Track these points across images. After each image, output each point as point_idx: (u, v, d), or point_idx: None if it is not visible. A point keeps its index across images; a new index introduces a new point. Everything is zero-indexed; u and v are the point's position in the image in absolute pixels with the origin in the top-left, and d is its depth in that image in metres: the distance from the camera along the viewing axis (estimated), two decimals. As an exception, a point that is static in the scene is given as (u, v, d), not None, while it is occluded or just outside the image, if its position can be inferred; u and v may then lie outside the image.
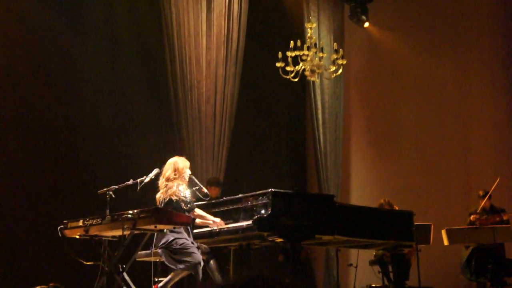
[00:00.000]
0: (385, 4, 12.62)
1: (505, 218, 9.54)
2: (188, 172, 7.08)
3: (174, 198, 6.83)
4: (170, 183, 6.91)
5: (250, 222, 6.78)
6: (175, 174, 6.93)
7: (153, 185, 7.10)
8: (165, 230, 6.70)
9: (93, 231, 6.50)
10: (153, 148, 9.74)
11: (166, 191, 6.89)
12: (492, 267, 9.38)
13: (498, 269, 9.41)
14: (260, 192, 6.98)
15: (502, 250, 9.63)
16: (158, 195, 6.96)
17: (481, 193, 9.92)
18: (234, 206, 7.28)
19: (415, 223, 8.27)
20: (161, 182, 6.98)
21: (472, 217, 9.71)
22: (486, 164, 11.76)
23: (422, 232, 9.13)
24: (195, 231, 7.25)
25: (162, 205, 6.82)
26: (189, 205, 6.87)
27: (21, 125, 9.20)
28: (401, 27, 12.67)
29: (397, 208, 9.53)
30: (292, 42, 8.89)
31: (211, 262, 7.70)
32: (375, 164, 12.56)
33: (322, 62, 9.21)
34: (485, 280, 9.44)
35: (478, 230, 9.36)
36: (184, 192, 6.89)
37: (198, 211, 7.08)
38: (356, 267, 9.89)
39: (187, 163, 7.14)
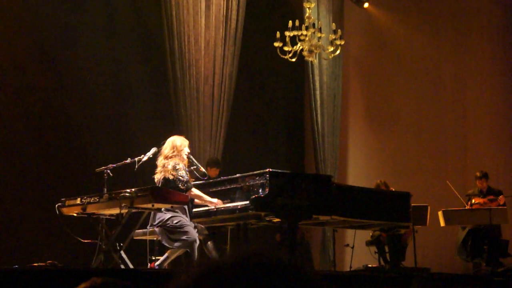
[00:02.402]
0: (385, -16, 12.56)
1: (501, 202, 9.54)
2: (186, 150, 7.09)
3: (170, 177, 6.84)
4: (167, 162, 6.93)
5: (247, 202, 6.80)
6: (173, 152, 6.94)
7: (151, 164, 7.10)
8: (162, 209, 6.72)
9: (90, 209, 6.52)
10: (151, 127, 9.73)
11: (162, 170, 6.90)
12: (487, 248, 9.41)
13: (494, 250, 9.45)
14: (258, 172, 6.99)
15: (498, 231, 9.66)
16: (155, 175, 6.98)
17: (478, 174, 9.93)
18: (232, 186, 7.29)
19: (412, 204, 8.29)
20: (160, 160, 6.99)
21: (472, 204, 9.65)
22: (484, 145, 11.77)
23: (418, 213, 9.14)
24: (193, 210, 7.26)
25: (160, 184, 6.83)
26: (186, 185, 6.86)
27: (19, 104, 9.17)
28: (401, 8, 12.61)
29: (393, 190, 9.53)
30: (290, 22, 8.85)
31: (209, 243, 7.71)
32: (373, 145, 12.57)
33: (320, 43, 9.17)
34: (480, 261, 9.48)
35: (474, 212, 9.39)
36: (181, 171, 6.88)
37: (195, 191, 7.06)
38: (352, 247, 9.91)
39: (186, 142, 7.15)
